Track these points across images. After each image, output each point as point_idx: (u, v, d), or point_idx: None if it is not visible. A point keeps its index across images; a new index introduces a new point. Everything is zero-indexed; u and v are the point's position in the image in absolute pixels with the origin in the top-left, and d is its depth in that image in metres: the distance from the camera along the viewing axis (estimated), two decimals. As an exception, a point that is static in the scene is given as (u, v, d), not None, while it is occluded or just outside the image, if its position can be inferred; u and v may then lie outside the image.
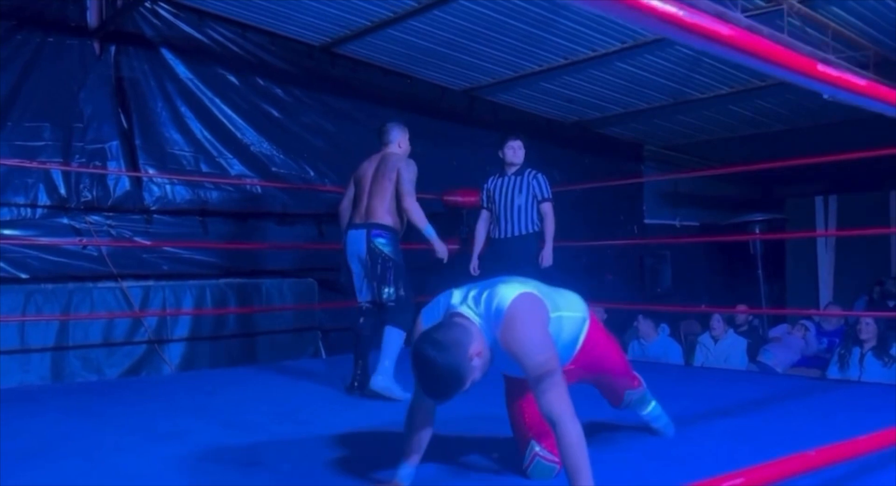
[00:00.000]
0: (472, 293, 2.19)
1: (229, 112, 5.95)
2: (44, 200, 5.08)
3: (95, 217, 5.24)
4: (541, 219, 4.87)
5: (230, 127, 5.94)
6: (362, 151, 6.58)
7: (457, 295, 2.23)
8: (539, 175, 4.90)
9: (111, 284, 5.15)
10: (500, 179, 4.95)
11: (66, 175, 5.14)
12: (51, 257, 5.03)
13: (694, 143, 9.03)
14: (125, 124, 5.46)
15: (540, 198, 4.85)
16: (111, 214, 5.31)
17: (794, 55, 1.20)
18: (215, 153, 5.84)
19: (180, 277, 5.54)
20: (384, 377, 3.71)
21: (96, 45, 5.40)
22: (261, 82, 6.17)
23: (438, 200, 6.41)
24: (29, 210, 5.05)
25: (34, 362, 4.81)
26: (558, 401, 1.99)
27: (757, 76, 6.74)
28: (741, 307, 6.63)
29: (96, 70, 5.35)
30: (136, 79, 5.51)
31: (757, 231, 8.35)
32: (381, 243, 3.96)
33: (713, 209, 9.83)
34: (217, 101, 5.89)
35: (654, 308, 7.30)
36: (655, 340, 6.32)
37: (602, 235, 7.84)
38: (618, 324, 6.66)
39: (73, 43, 5.29)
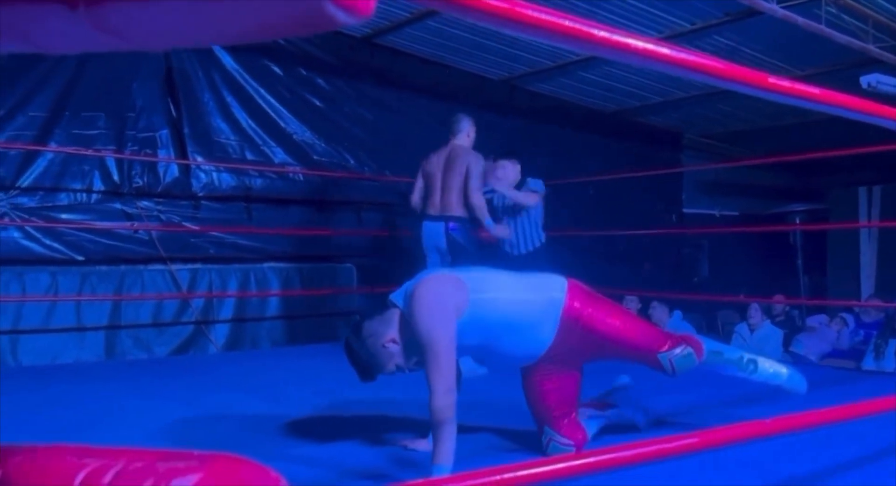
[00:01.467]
0: (411, 279, 2.41)
1: (273, 102, 6.15)
2: (98, 186, 5.36)
3: (146, 203, 5.50)
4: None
5: (274, 116, 6.14)
6: (401, 139, 6.80)
7: (404, 284, 2.42)
8: (538, 183, 4.81)
9: (160, 267, 5.41)
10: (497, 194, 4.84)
11: (119, 162, 5.41)
12: (105, 241, 5.31)
13: (734, 132, 8.96)
14: (174, 114, 5.70)
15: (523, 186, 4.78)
16: (161, 199, 5.57)
17: (742, 70, 1.30)
18: (259, 142, 6.06)
19: (226, 261, 5.78)
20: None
21: (148, 38, 5.63)
22: (303, 73, 6.36)
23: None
24: (85, 195, 5.33)
25: (89, 340, 5.10)
26: (432, 375, 2.17)
27: (799, 66, 6.68)
28: (778, 297, 6.62)
29: (148, 62, 5.59)
30: (185, 70, 5.74)
31: (797, 221, 8.27)
32: (457, 234, 4.35)
33: (753, 199, 9.74)
34: (262, 91, 6.09)
35: (690, 297, 7.32)
36: (668, 324, 6.35)
37: (640, 225, 7.85)
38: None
39: (126, 36, 5.53)
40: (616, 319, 2.50)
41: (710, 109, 8.22)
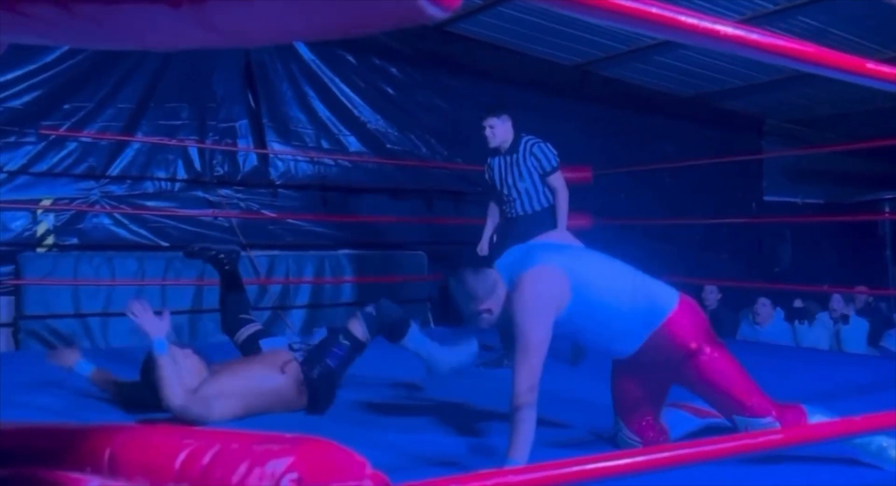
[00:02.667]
0: (519, 253, 2.41)
1: (348, 91, 6.24)
2: (182, 174, 5.56)
3: (226, 191, 5.69)
4: (552, 192, 4.20)
5: (349, 105, 6.23)
6: (472, 127, 6.77)
7: (511, 254, 2.43)
8: (538, 145, 4.18)
9: (240, 253, 5.57)
10: (496, 159, 4.30)
11: (201, 152, 5.60)
12: (187, 227, 5.51)
13: (819, 116, 8.58)
14: (253, 104, 5.85)
15: (542, 171, 4.16)
16: (240, 188, 5.75)
17: (839, 55, 1.24)
18: (335, 131, 6.16)
19: (302, 247, 5.92)
20: None
21: (228, 31, 5.79)
22: (377, 62, 6.42)
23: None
24: (169, 184, 5.54)
25: (174, 323, 5.25)
26: (519, 370, 2.17)
27: (891, 46, 6.34)
28: (860, 288, 6.34)
29: (227, 54, 5.75)
30: (263, 61, 5.87)
31: (887, 210, 7.88)
32: None
33: (839, 186, 9.32)
34: (337, 80, 6.19)
35: (770, 287, 7.09)
36: (770, 324, 6.15)
37: (718, 213, 7.64)
38: (731, 303, 6.54)
39: (208, 29, 5.70)
40: (723, 361, 2.32)
41: (793, 94, 7.89)
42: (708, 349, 2.32)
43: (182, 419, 2.62)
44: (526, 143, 4.17)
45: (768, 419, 2.27)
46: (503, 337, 2.48)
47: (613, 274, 2.39)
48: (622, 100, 7.63)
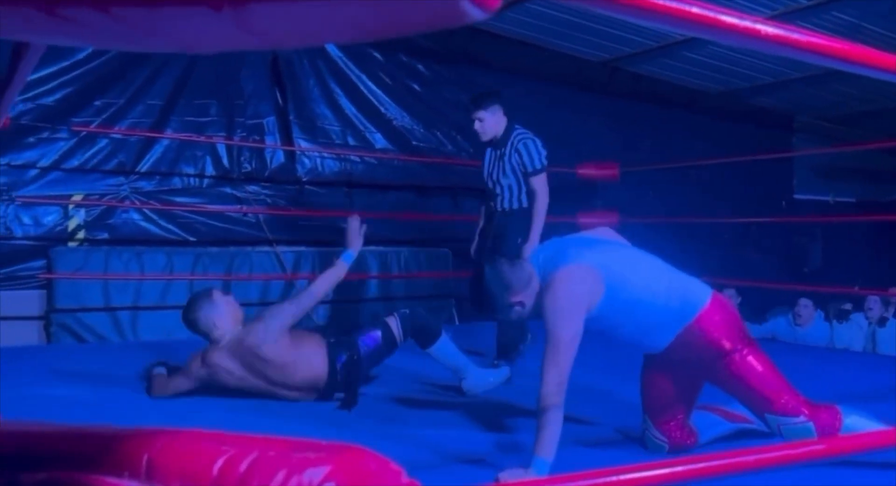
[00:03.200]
0: (553, 249, 2.40)
1: (374, 88, 6.24)
2: (210, 171, 5.61)
3: (254, 187, 5.72)
4: (531, 195, 3.89)
5: (375, 102, 6.24)
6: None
7: (546, 248, 2.43)
8: (524, 142, 3.87)
9: (267, 249, 5.60)
10: (488, 151, 4.06)
11: (229, 148, 5.64)
12: (215, 223, 5.56)
13: (851, 113, 8.41)
14: (280, 101, 5.87)
15: (525, 171, 3.86)
16: (267, 184, 5.77)
17: (874, 52, 1.20)
18: (361, 128, 6.17)
19: (328, 244, 5.93)
20: None
21: (256, 27, 5.82)
22: (404, 59, 6.41)
23: (573, 172, 6.43)
24: (197, 180, 5.59)
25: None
26: (547, 367, 2.17)
27: (928, 41, 6.19)
28: (894, 290, 6.21)
29: (255, 51, 5.78)
30: (290, 58, 5.89)
31: (922, 209, 7.71)
32: None
33: (872, 184, 9.14)
34: (364, 77, 6.19)
35: (800, 288, 6.97)
36: (811, 326, 6.03)
37: (747, 211, 7.54)
38: (759, 303, 6.45)
39: (236, 25, 5.73)
40: (754, 358, 2.31)
41: (825, 90, 7.75)
42: (739, 346, 2.31)
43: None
44: (515, 137, 3.88)
45: (801, 418, 2.25)
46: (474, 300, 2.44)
47: (647, 269, 2.38)
48: (650, 96, 7.55)
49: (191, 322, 3.13)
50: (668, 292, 2.33)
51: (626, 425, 2.71)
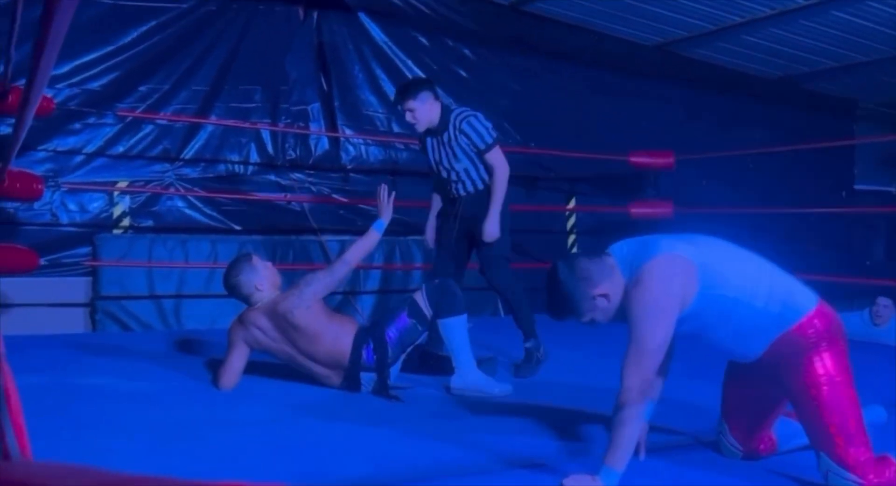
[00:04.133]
0: (640, 242, 2.16)
1: (420, 73, 6.09)
2: (254, 158, 5.53)
3: (298, 175, 5.62)
4: (488, 172, 3.66)
5: (420, 88, 6.08)
6: (546, 110, 6.57)
7: (626, 245, 2.17)
8: (467, 121, 3.59)
9: (312, 237, 5.51)
10: (428, 139, 3.76)
11: (273, 135, 5.55)
12: (260, 211, 5.48)
13: (919, 99, 8.02)
14: (325, 87, 5.76)
15: (477, 149, 3.61)
16: (312, 172, 5.67)
17: None
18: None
19: (372, 232, 5.82)
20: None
21: (300, 11, 5.72)
22: (450, 43, 6.25)
23: (625, 161, 6.21)
24: (241, 167, 5.51)
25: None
26: (630, 370, 1.97)
27: None
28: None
29: (300, 35, 5.68)
30: (335, 43, 5.78)
31: None
32: None
33: (940, 174, 8.73)
34: (409, 62, 6.05)
35: (861, 281, 6.67)
36: (889, 324, 5.70)
37: (805, 201, 7.23)
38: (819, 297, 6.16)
39: (280, 9, 5.64)
40: (843, 390, 2.04)
41: (890, 74, 7.37)
42: (833, 371, 2.04)
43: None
44: (455, 118, 3.61)
45: (856, 478, 1.98)
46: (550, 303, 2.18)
47: (747, 268, 2.12)
48: (705, 81, 7.27)
49: (232, 286, 3.18)
50: (769, 295, 2.08)
51: (699, 428, 2.53)
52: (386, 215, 3.34)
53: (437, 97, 3.68)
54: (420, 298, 3.19)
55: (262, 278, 3.15)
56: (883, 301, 5.57)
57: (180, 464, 2.18)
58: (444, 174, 3.74)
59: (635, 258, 2.07)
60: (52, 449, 2.25)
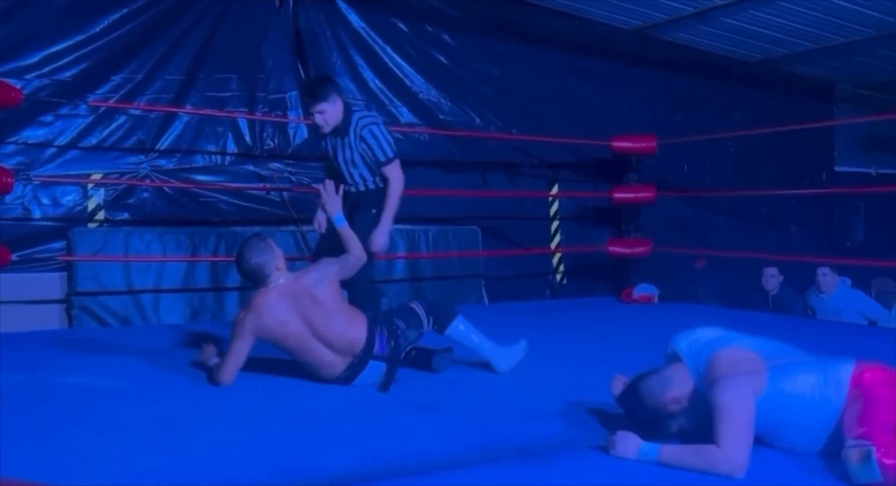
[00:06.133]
0: (694, 338, 2.27)
1: (399, 60, 6.02)
2: (232, 147, 5.42)
3: (277, 164, 5.53)
4: (383, 180, 3.68)
5: (400, 75, 6.02)
6: (528, 95, 6.52)
7: (687, 341, 2.28)
8: (369, 129, 3.58)
9: (292, 228, 5.43)
10: (329, 139, 3.68)
11: (251, 124, 5.44)
12: (238, 202, 5.38)
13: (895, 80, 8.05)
14: (303, 75, 5.66)
15: (376, 162, 3.62)
16: (291, 161, 5.57)
17: None
18: (386, 101, 5.96)
19: (354, 222, 5.75)
20: None
21: (276, -2, 5.61)
22: (429, 29, 6.17)
23: (607, 146, 6.18)
24: (219, 157, 5.41)
25: (227, 299, 5.20)
26: (726, 441, 1.98)
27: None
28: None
29: (277, 22, 5.57)
30: (312, 30, 5.68)
31: (972, 180, 7.39)
32: None
33: (917, 155, 8.79)
34: (388, 49, 5.97)
35: (841, 262, 6.71)
36: (835, 291, 5.79)
37: (786, 184, 7.27)
38: (800, 278, 6.19)
39: (256, -4, 5.53)
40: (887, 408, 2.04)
41: (869, 56, 7.40)
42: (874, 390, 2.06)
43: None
44: (358, 123, 3.57)
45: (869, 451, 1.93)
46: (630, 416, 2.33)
47: (801, 363, 2.17)
48: (686, 65, 7.26)
49: (254, 268, 3.00)
50: (817, 382, 2.10)
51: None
52: (333, 209, 3.35)
53: (340, 95, 3.63)
54: (416, 305, 3.22)
55: (279, 258, 3.05)
56: (822, 271, 5.73)
57: (162, 461, 2.13)
58: (342, 169, 3.69)
59: (702, 353, 2.19)
60: (31, 449, 2.18)
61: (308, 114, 3.46)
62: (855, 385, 2.07)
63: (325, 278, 3.04)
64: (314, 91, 3.54)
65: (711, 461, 1.96)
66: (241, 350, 2.98)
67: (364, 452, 2.22)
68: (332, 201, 3.35)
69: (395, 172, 3.62)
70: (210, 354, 3.18)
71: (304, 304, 2.96)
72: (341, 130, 3.58)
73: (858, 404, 2.04)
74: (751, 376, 2.08)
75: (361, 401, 2.83)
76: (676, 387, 2.16)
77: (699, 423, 2.13)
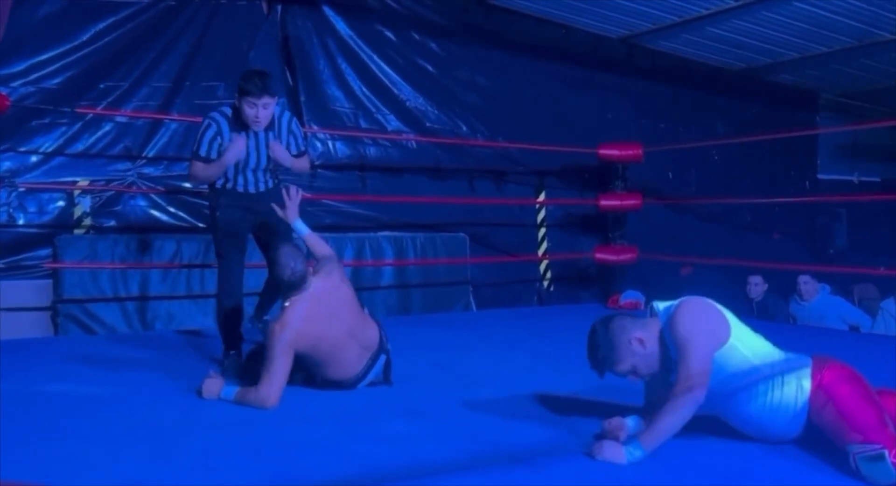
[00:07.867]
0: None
1: (386, 68, 6.04)
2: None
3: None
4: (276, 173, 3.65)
5: (387, 83, 6.04)
6: (514, 104, 6.55)
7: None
8: (295, 122, 3.59)
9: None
10: (244, 133, 3.41)
11: (238, 132, 5.43)
12: (226, 209, 5.35)
13: (879, 89, 8.16)
14: (290, 82, 5.67)
15: (298, 151, 3.60)
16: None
17: None
18: (373, 109, 5.97)
19: (341, 229, 5.76)
20: None
21: (264, 5, 5.63)
22: (416, 37, 6.20)
23: (594, 154, 6.22)
24: (206, 165, 5.38)
25: (213, 306, 5.16)
26: (684, 374, 2.15)
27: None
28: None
29: (264, 30, 5.58)
30: (300, 37, 5.69)
31: (951, 188, 7.48)
32: None
33: (898, 163, 8.91)
34: (375, 57, 5.99)
35: (824, 269, 6.78)
36: (816, 299, 5.87)
37: (770, 191, 7.33)
38: (783, 286, 6.26)
39: (244, 3, 5.53)
40: (853, 395, 2.14)
41: (851, 65, 7.50)
42: (837, 388, 2.17)
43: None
44: (285, 117, 3.51)
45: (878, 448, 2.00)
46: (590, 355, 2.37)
47: (757, 339, 2.33)
48: (671, 74, 7.33)
49: (297, 279, 2.88)
50: (774, 369, 2.24)
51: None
52: (292, 216, 3.28)
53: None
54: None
55: (308, 262, 2.98)
56: (802, 279, 5.85)
57: (152, 469, 2.12)
58: (251, 173, 3.50)
59: (671, 305, 2.30)
60: (18, 458, 2.17)
61: (252, 104, 3.26)
62: (817, 387, 2.16)
63: (345, 276, 3.09)
64: (264, 84, 3.32)
65: (681, 405, 2.09)
66: (283, 367, 2.81)
67: (353, 458, 2.23)
68: (292, 208, 3.29)
69: (304, 164, 3.66)
70: (216, 386, 2.91)
71: (341, 302, 2.99)
72: (269, 125, 3.42)
73: (830, 408, 2.11)
74: (716, 321, 2.23)
75: (350, 407, 2.84)
76: (644, 330, 2.27)
77: (651, 372, 2.27)
